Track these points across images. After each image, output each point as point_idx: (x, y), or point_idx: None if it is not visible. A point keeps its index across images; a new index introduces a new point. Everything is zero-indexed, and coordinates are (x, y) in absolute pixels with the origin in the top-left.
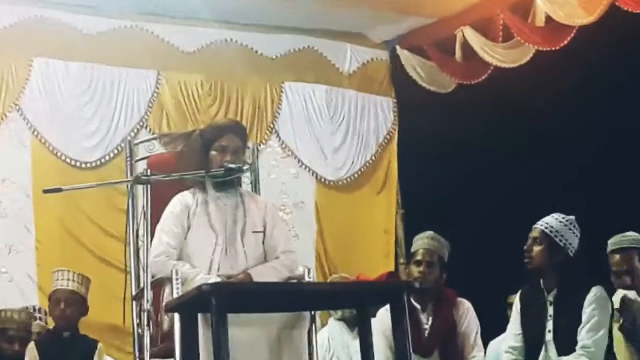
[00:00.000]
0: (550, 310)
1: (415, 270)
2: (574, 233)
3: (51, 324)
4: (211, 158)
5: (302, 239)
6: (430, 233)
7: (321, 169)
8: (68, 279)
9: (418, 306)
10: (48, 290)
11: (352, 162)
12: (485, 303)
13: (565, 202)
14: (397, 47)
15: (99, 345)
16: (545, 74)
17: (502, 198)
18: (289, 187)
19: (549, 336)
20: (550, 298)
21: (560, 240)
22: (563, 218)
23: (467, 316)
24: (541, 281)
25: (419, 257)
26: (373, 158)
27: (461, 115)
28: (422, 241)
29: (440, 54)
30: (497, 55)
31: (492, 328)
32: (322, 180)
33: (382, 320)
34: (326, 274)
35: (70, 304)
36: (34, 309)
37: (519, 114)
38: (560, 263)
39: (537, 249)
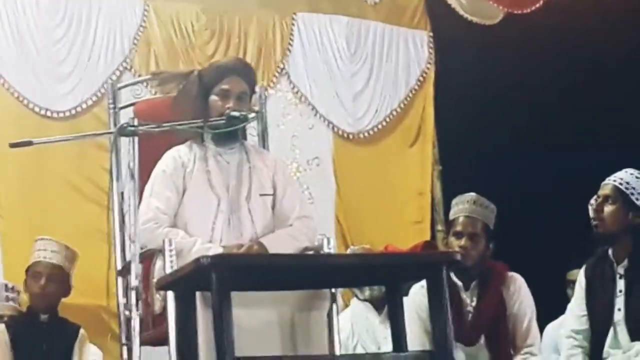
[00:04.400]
0: (621, 284)
1: (455, 244)
2: None
3: (25, 305)
4: (210, 104)
5: (318, 203)
6: (472, 195)
7: (340, 119)
8: (52, 251)
9: (460, 283)
10: (12, 262)
11: (376, 110)
12: (541, 280)
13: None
14: None
15: (81, 331)
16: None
17: (560, 152)
18: (301, 141)
19: (618, 315)
20: (621, 270)
21: (637, 199)
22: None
23: (520, 295)
24: (609, 251)
25: (459, 228)
26: (403, 105)
27: (510, 52)
28: (463, 206)
29: None
30: None
31: (548, 309)
32: (341, 132)
33: (415, 300)
34: (348, 245)
35: (53, 281)
36: (6, 287)
37: (582, 50)
38: (636, 226)
39: (609, 209)
